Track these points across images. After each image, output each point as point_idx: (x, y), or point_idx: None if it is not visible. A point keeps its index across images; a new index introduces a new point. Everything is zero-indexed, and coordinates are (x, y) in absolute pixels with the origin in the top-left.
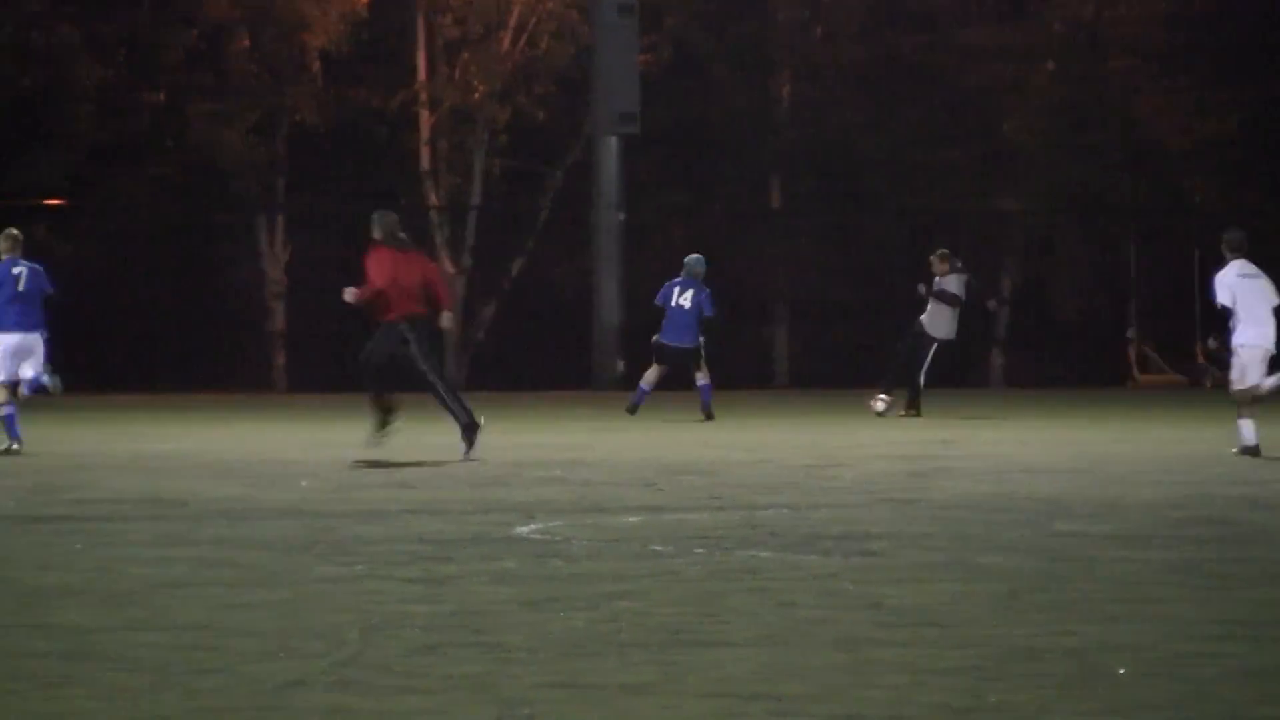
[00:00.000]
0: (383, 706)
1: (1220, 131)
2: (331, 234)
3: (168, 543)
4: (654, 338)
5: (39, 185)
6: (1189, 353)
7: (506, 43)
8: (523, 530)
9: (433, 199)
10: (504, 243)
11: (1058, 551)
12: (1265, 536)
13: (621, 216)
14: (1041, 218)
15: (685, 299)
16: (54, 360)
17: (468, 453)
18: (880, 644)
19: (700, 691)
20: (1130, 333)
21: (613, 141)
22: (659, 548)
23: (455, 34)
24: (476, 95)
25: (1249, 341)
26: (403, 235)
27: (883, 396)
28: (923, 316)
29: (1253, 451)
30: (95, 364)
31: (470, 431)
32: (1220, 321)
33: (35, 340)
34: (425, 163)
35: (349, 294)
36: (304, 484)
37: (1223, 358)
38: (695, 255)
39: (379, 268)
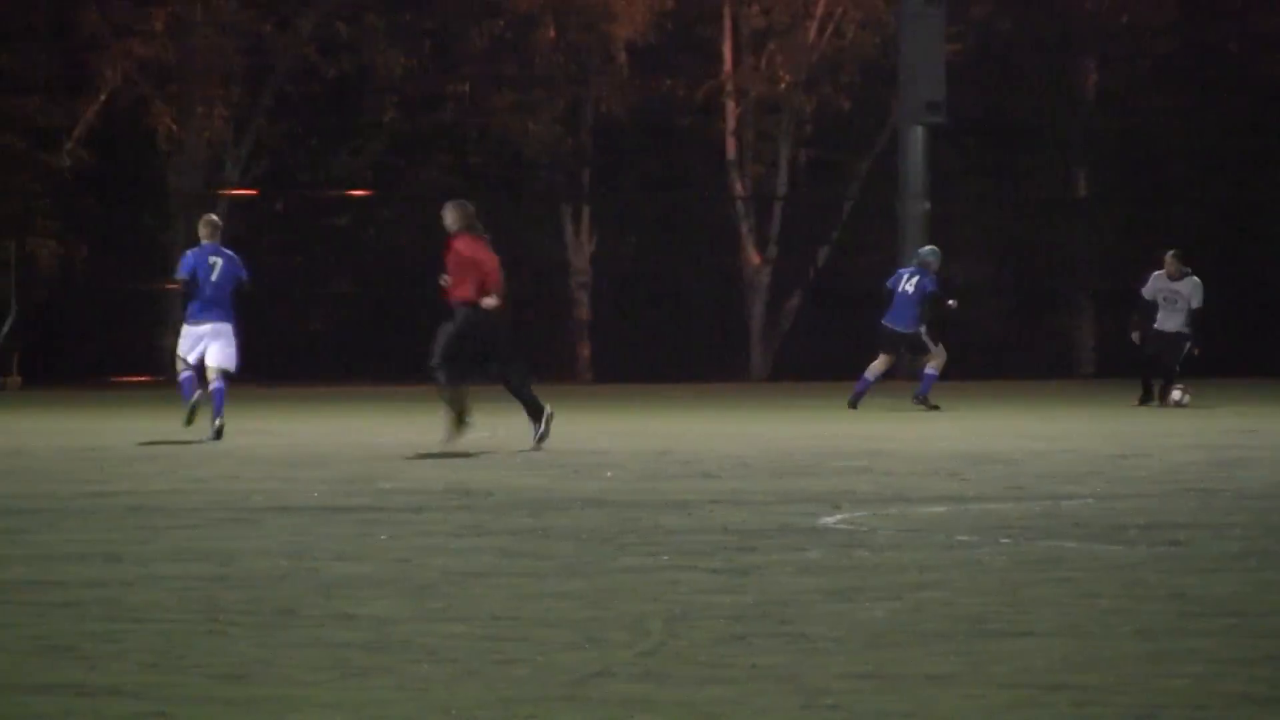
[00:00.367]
0: (687, 697)
1: None
2: (636, 224)
3: (472, 533)
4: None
5: (344, 176)
6: None
7: (813, 33)
8: (827, 520)
9: (739, 189)
10: (809, 232)
11: None
12: None
13: (927, 206)
14: None
15: (910, 284)
16: (372, 350)
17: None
18: (1182, 634)
19: (1002, 682)
20: None
21: (918, 131)
22: (963, 537)
23: (762, 24)
24: (782, 85)
25: None
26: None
27: (1179, 387)
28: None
29: None
30: (408, 353)
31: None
32: None
33: (225, 330)
34: (731, 152)
35: (488, 303)
36: (609, 475)
37: None
38: (929, 247)
39: (487, 252)
